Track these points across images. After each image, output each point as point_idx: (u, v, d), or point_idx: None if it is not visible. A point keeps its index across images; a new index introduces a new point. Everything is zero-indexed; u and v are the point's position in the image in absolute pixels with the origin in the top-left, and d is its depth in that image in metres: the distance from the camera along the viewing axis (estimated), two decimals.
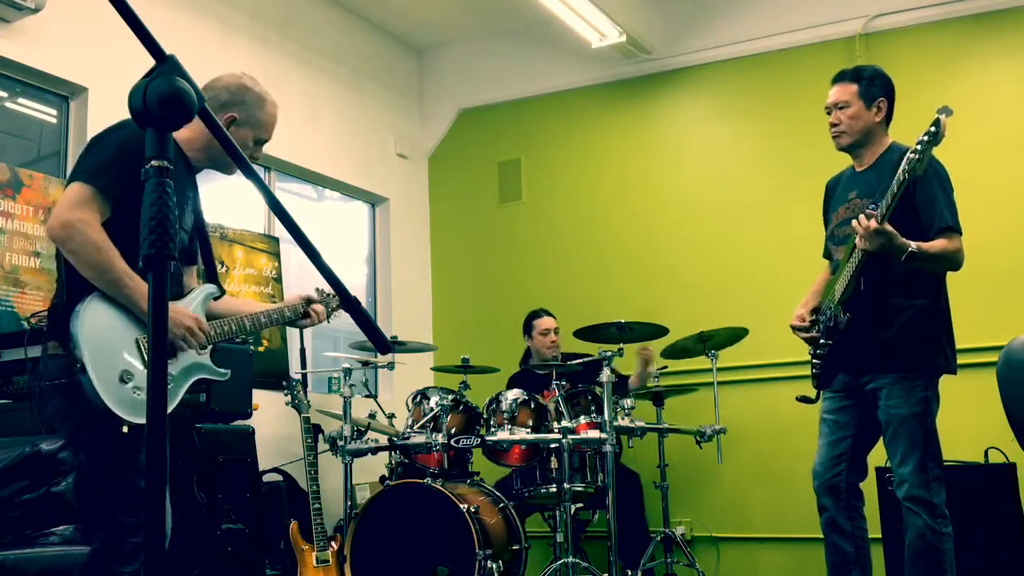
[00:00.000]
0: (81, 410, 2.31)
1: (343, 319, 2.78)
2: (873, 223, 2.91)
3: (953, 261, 3.07)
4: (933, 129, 2.83)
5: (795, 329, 3.38)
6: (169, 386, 2.40)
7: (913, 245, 2.93)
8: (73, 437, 2.47)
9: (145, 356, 2.37)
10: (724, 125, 5.64)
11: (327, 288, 2.99)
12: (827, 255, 3.46)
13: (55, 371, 2.37)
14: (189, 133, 2.59)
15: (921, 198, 3.08)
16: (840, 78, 3.33)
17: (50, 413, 2.44)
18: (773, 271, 5.30)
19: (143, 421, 2.32)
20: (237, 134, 2.69)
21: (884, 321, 3.10)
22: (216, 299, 2.70)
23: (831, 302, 3.20)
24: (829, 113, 3.33)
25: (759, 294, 5.30)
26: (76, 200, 2.32)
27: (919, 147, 2.84)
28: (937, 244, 3.01)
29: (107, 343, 2.32)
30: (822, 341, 3.25)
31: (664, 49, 5.74)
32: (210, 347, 2.60)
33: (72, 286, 2.38)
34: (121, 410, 2.29)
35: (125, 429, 2.30)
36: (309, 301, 2.92)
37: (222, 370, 2.64)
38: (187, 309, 2.53)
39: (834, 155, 5.24)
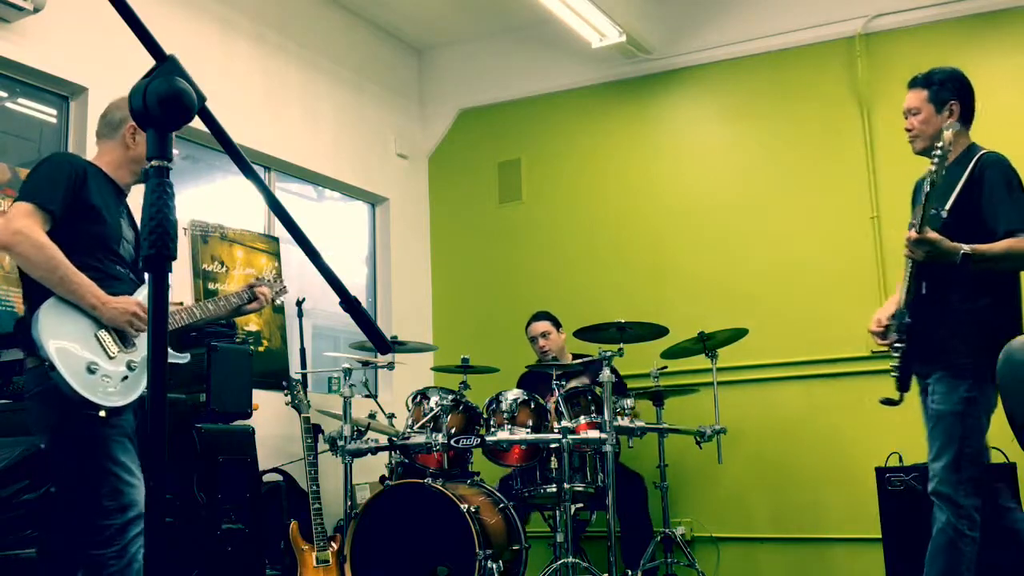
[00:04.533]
0: (58, 410, 2.55)
1: (343, 319, 2.81)
2: (912, 233, 2.96)
3: (1021, 261, 3.07)
4: (939, 144, 2.92)
5: (872, 334, 3.38)
6: (135, 372, 2.68)
7: (966, 248, 2.96)
8: (55, 438, 2.65)
9: (104, 347, 2.64)
10: (724, 125, 5.64)
11: (269, 276, 3.34)
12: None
13: (31, 383, 2.62)
14: (109, 157, 2.85)
15: (985, 202, 3.11)
16: (912, 84, 3.37)
17: (32, 423, 2.70)
18: (773, 271, 5.31)
19: (115, 404, 2.59)
20: (143, 141, 2.84)
21: (942, 320, 3.13)
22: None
23: (900, 306, 3.23)
24: (906, 119, 3.38)
25: (759, 294, 5.30)
26: (19, 212, 2.59)
27: (934, 160, 2.92)
28: (1000, 245, 3.02)
29: (69, 341, 2.57)
30: (896, 344, 3.25)
31: (664, 49, 5.74)
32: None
33: (29, 299, 2.64)
34: (95, 397, 2.54)
35: (102, 414, 2.56)
36: (252, 286, 3.16)
37: (181, 354, 2.92)
38: (130, 298, 2.73)
39: (834, 155, 5.27)
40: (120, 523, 2.56)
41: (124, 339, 2.69)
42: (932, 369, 3.18)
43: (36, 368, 2.57)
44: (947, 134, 2.91)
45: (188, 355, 2.91)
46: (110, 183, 2.83)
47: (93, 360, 2.58)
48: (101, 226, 2.73)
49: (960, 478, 3.07)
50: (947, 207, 3.08)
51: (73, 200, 2.65)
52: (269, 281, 3.25)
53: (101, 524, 2.54)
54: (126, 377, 2.65)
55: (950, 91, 3.28)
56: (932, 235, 2.96)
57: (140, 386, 2.69)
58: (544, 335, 5.08)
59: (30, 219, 2.57)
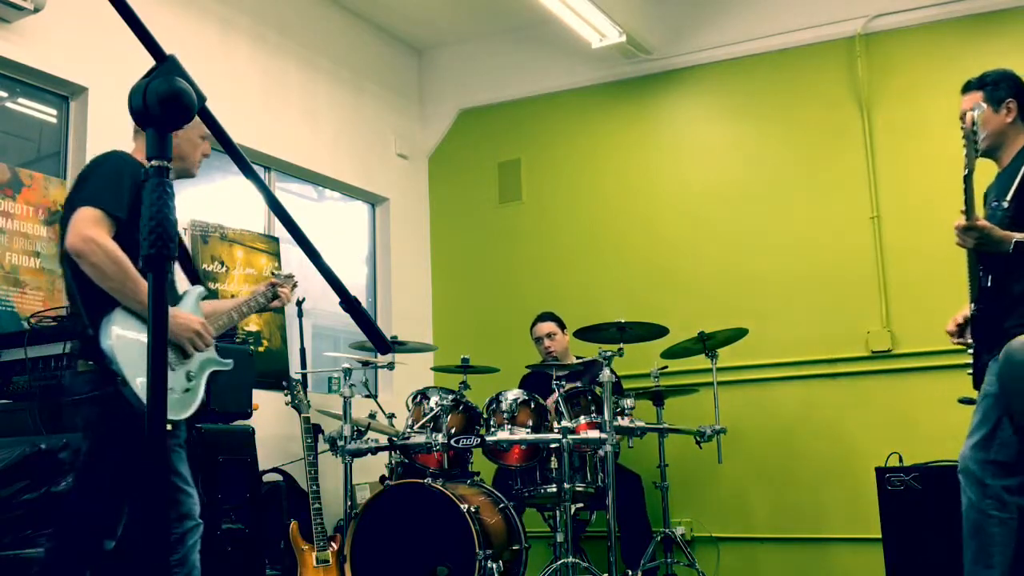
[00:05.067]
0: (117, 418, 2.53)
1: (343, 319, 2.82)
2: (961, 220, 2.96)
3: None
4: (963, 127, 2.93)
5: (949, 333, 3.39)
6: (192, 383, 2.72)
7: (1019, 236, 2.95)
8: (105, 442, 2.63)
9: (169, 360, 2.59)
10: (724, 125, 5.64)
11: (281, 272, 3.32)
12: None
13: (85, 385, 2.59)
14: (143, 155, 2.79)
15: None
16: (966, 88, 3.36)
17: (81, 423, 2.67)
18: (773, 271, 5.31)
19: (179, 417, 2.62)
20: (185, 137, 2.86)
21: (1006, 310, 3.11)
22: (204, 299, 2.93)
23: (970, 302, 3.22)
24: (963, 122, 3.33)
25: (759, 294, 5.30)
26: (89, 219, 2.54)
27: (965, 143, 2.93)
28: None
29: (136, 353, 2.53)
30: (971, 341, 3.24)
31: (664, 49, 5.74)
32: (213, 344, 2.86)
33: (89, 306, 2.59)
34: None
35: (169, 427, 2.58)
36: (273, 285, 3.18)
37: (227, 360, 2.89)
38: (191, 314, 2.75)
39: (834, 155, 5.27)
40: (180, 532, 2.62)
41: (181, 350, 2.70)
42: (995, 356, 3.13)
43: (90, 372, 2.56)
44: (971, 115, 2.89)
45: (231, 362, 2.90)
46: None
47: None
48: None
49: (988, 457, 3.04)
50: (1008, 199, 3.06)
51: (134, 205, 2.61)
52: (287, 279, 3.26)
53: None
54: (187, 389, 2.67)
55: (1005, 90, 3.27)
56: (981, 223, 2.95)
57: (198, 397, 2.71)
58: (550, 336, 5.09)
59: (100, 227, 2.54)
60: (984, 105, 3.24)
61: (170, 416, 2.57)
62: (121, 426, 2.55)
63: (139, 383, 2.49)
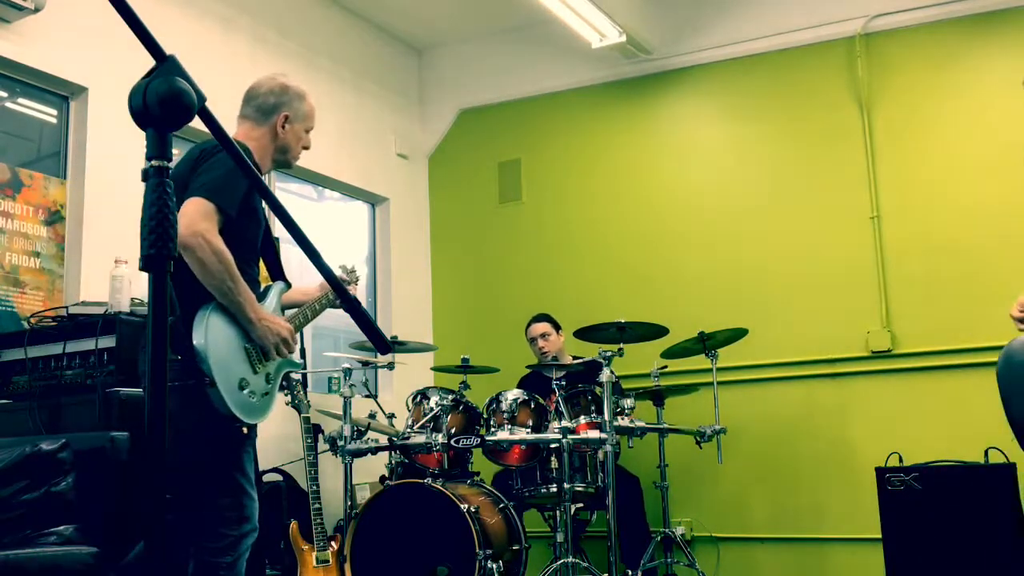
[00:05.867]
0: (198, 412, 2.45)
1: (343, 319, 2.83)
2: None
3: None
4: None
5: (1013, 318, 3.18)
6: (270, 386, 2.64)
7: None
8: (189, 439, 2.50)
9: (251, 361, 2.58)
10: (724, 125, 5.64)
11: (347, 265, 3.29)
12: None
13: (170, 375, 2.48)
14: (256, 144, 2.78)
15: None
16: None
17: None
18: (773, 271, 5.31)
19: (258, 420, 2.58)
20: (292, 130, 2.86)
21: None
22: (283, 293, 2.90)
23: None
24: None
25: (759, 294, 5.30)
26: (202, 212, 2.47)
27: None
28: None
29: (225, 354, 2.50)
30: None
31: (664, 49, 5.74)
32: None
33: (184, 300, 2.51)
34: (242, 414, 2.49)
35: (245, 430, 2.55)
36: (343, 280, 3.10)
37: (299, 361, 2.89)
38: (280, 319, 2.70)
39: (834, 155, 5.26)
40: (238, 534, 2.55)
41: (264, 351, 2.62)
42: None
43: (178, 363, 2.46)
44: None
45: (303, 362, 2.88)
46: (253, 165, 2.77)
47: (244, 376, 2.53)
48: (256, 227, 2.70)
49: None
50: None
51: (244, 202, 2.58)
52: (349, 272, 3.26)
53: (221, 532, 2.52)
54: (267, 393, 2.61)
55: None
56: None
57: (274, 400, 2.65)
58: (543, 336, 5.08)
59: (210, 222, 2.47)
60: None
61: (250, 420, 2.53)
62: (199, 422, 2.47)
63: (226, 387, 2.45)
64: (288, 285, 2.92)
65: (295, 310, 2.97)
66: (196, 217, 2.46)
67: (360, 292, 5.98)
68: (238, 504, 2.55)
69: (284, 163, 2.91)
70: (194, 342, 2.43)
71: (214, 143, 2.60)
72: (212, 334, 2.46)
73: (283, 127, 2.81)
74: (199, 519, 2.54)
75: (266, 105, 2.82)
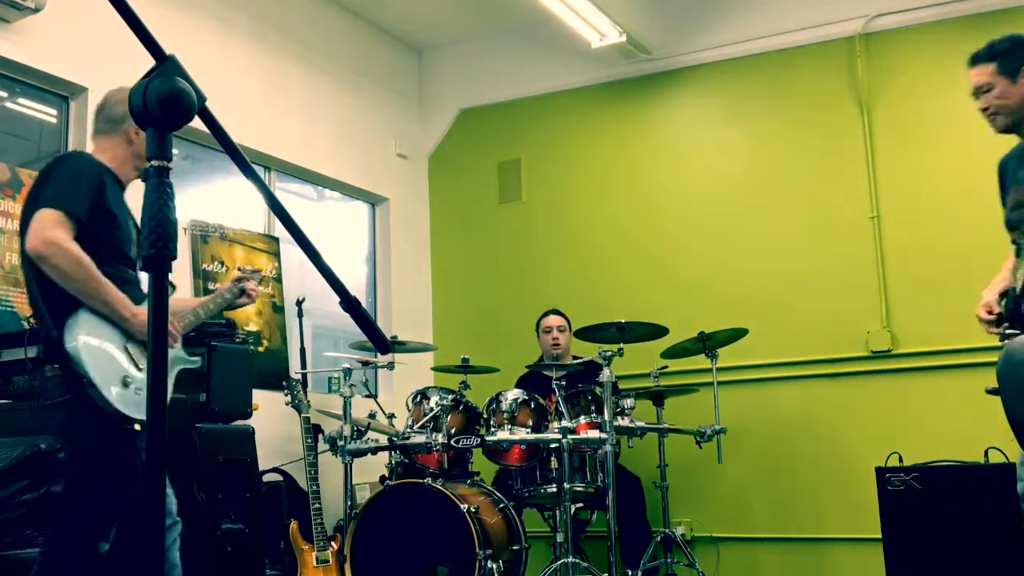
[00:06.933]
0: (90, 420, 2.52)
1: (343, 319, 2.83)
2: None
3: None
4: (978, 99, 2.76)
5: (981, 321, 3.03)
6: None
7: None
8: (84, 448, 2.62)
9: (134, 359, 2.63)
10: (724, 125, 5.63)
11: (246, 268, 3.29)
12: (1013, 240, 3.16)
13: (56, 390, 2.57)
14: (111, 154, 2.79)
15: None
16: (974, 61, 3.01)
17: (54, 428, 2.65)
18: (773, 271, 5.31)
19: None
20: (143, 141, 2.85)
21: None
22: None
23: (1014, 291, 2.94)
24: (977, 98, 3.04)
25: (759, 294, 5.30)
26: (51, 221, 2.53)
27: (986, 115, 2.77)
28: None
29: (103, 355, 2.55)
30: (1008, 331, 2.96)
31: (664, 49, 5.74)
32: (180, 340, 2.89)
33: (52, 309, 2.57)
34: (130, 411, 2.54)
35: (137, 427, 2.56)
36: (240, 280, 3.12)
37: (194, 358, 2.93)
38: None
39: (834, 155, 5.26)
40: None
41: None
42: None
43: (59, 376, 2.54)
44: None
45: (199, 358, 2.92)
46: (117, 183, 2.80)
47: (126, 373, 2.58)
48: (119, 232, 2.71)
49: None
50: None
51: (95, 205, 2.61)
52: (253, 274, 3.23)
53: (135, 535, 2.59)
54: None
55: (1020, 57, 2.94)
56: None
57: (168, 394, 2.66)
58: (560, 329, 5.11)
59: (61, 228, 2.52)
60: (999, 79, 2.95)
61: (136, 415, 2.55)
62: (91, 428, 2.54)
63: (106, 386, 2.49)
64: (172, 288, 2.94)
65: (186, 308, 2.99)
66: (46, 225, 2.51)
67: (360, 292, 5.99)
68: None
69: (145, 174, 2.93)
70: (65, 347, 2.48)
71: (58, 157, 2.73)
72: (84, 337, 2.51)
73: (137, 133, 2.81)
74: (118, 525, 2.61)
75: (115, 115, 2.82)
